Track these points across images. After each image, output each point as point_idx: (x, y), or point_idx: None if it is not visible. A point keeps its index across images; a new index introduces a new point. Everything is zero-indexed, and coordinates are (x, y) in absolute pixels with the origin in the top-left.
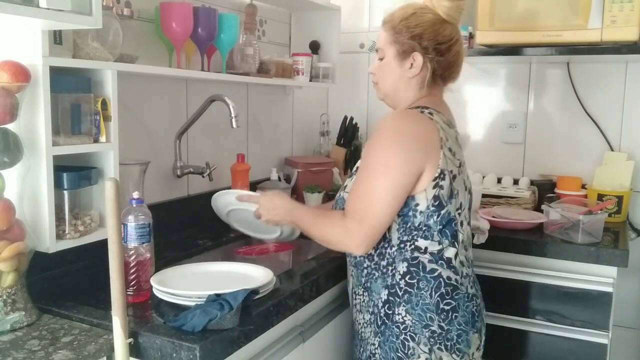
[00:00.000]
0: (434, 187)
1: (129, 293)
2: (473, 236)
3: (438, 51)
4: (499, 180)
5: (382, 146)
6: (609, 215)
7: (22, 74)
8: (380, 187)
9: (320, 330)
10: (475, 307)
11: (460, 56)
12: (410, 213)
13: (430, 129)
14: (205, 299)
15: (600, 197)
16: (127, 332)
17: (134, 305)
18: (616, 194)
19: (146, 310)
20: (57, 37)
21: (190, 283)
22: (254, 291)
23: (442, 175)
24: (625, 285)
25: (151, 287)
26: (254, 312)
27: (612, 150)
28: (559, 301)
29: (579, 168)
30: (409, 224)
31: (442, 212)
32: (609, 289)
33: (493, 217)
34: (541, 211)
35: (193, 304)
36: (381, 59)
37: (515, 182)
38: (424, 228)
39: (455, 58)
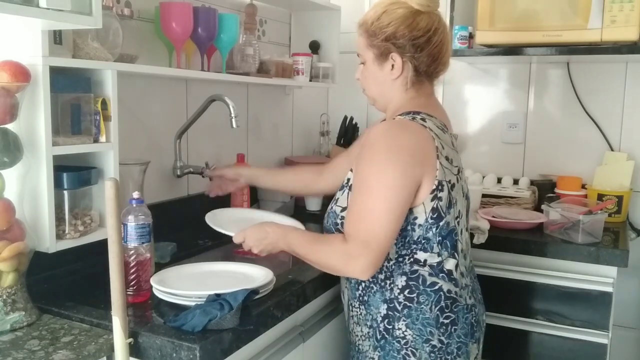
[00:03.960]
0: (432, 200)
1: (129, 293)
2: (472, 236)
3: (416, 47)
4: (499, 180)
5: (376, 164)
6: (609, 215)
7: (22, 74)
8: (380, 209)
9: (320, 330)
10: (474, 318)
11: (443, 45)
12: (409, 227)
13: (424, 139)
14: (205, 299)
15: (600, 197)
16: (127, 332)
17: (134, 305)
18: (616, 194)
19: (146, 310)
20: (57, 37)
21: (190, 283)
22: (254, 291)
23: (440, 187)
24: (625, 285)
25: (151, 287)
26: (254, 312)
27: (612, 150)
28: (559, 301)
29: (579, 168)
30: (408, 238)
31: (441, 223)
32: (609, 289)
33: (493, 217)
34: (541, 211)
35: (193, 304)
36: (363, 64)
37: (515, 182)
38: (422, 241)
39: (438, 49)
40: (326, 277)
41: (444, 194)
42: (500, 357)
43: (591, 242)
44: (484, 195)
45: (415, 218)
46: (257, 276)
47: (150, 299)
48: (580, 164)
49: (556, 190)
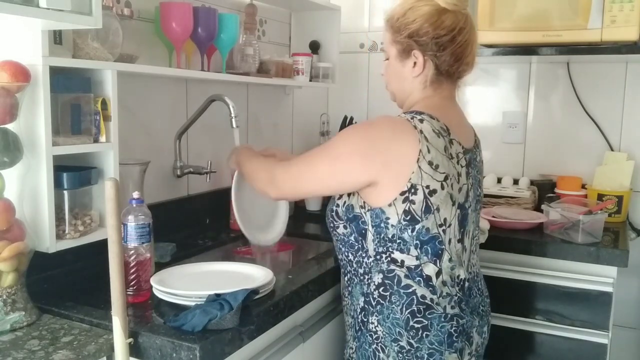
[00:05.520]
0: (404, 202)
1: (129, 293)
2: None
3: (439, 45)
4: (499, 180)
5: (346, 139)
6: (609, 215)
7: (22, 74)
8: (319, 170)
9: (320, 330)
10: (454, 328)
11: (468, 45)
12: (382, 224)
13: (402, 142)
14: (205, 299)
15: (600, 197)
16: (127, 332)
17: (134, 305)
18: (616, 194)
19: (146, 310)
20: (57, 37)
21: (190, 283)
22: (254, 291)
23: (413, 190)
24: (625, 285)
25: (151, 287)
26: (254, 312)
27: (612, 150)
28: (559, 301)
29: (579, 168)
30: (383, 235)
31: (417, 226)
32: (609, 289)
33: (493, 217)
34: (541, 211)
35: (193, 304)
36: (387, 59)
37: (515, 182)
38: (398, 241)
39: (462, 49)
40: (326, 276)
41: (417, 198)
42: (500, 357)
43: (591, 242)
44: (484, 195)
45: (388, 218)
46: (257, 276)
47: (150, 299)
48: (580, 164)
49: (556, 190)
